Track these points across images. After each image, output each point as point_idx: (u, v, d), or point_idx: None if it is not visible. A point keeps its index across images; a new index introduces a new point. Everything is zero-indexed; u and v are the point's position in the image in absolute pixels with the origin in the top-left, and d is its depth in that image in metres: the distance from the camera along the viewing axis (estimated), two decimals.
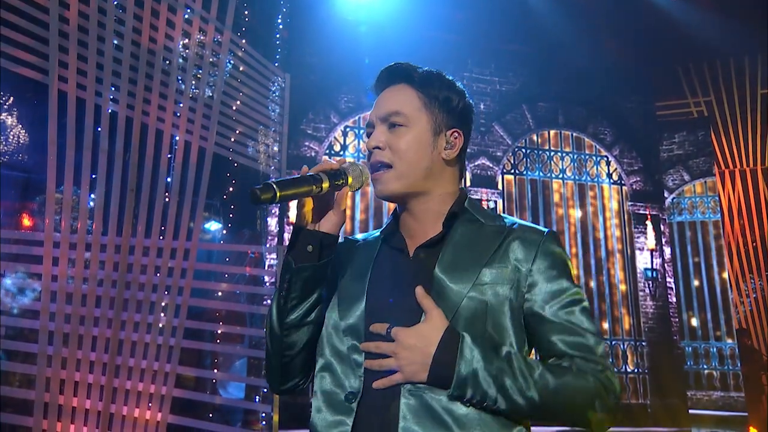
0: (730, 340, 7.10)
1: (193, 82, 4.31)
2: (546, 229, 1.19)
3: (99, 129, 3.93)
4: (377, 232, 1.30)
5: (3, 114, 4.04)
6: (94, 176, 3.89)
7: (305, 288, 1.14)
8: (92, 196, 3.89)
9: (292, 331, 1.16)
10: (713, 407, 6.84)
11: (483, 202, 4.93)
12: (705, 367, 6.99)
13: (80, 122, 3.85)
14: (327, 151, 5.14)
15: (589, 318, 1.12)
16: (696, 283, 7.26)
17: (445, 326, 1.05)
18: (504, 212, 5.04)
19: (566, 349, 1.08)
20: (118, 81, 4.00)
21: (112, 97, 3.99)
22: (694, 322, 7.11)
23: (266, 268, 4.61)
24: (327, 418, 1.11)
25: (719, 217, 7.70)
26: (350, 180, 1.13)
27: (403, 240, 1.22)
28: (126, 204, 3.93)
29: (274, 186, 1.01)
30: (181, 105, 4.23)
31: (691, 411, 6.27)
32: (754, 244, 8.30)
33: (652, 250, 6.35)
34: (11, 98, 4.16)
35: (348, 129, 5.27)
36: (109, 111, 3.98)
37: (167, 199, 4.11)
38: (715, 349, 7.06)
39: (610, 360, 5.78)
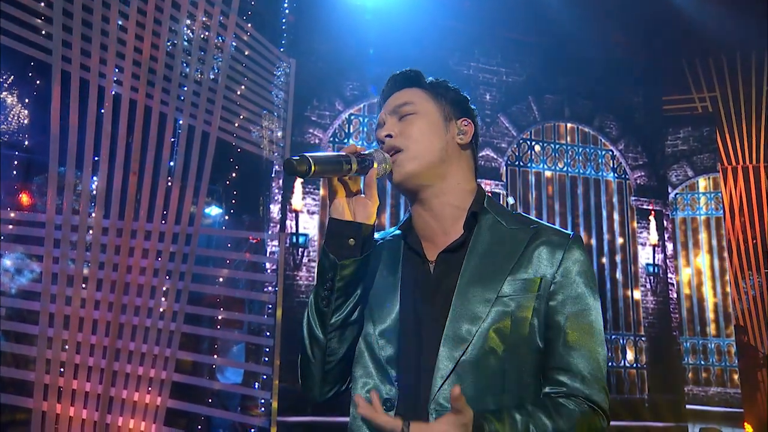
0: (728, 337, 7.11)
1: (198, 65, 4.27)
2: (571, 233, 1.16)
3: (102, 111, 3.89)
4: (395, 230, 1.27)
5: (3, 93, 3.99)
6: (96, 158, 3.86)
7: (349, 285, 1.09)
8: (94, 178, 3.86)
9: (336, 335, 1.11)
10: (710, 403, 6.88)
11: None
12: (703, 363, 7.02)
13: (83, 103, 3.81)
14: (331, 139, 5.10)
15: (601, 338, 1.11)
16: (696, 279, 7.26)
17: None
18: (505, 205, 5.02)
19: (577, 370, 1.07)
20: (122, 62, 3.96)
21: (115, 78, 3.94)
22: (694, 318, 7.11)
23: (267, 254, 4.59)
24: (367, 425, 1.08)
25: (722, 214, 7.68)
26: (375, 165, 1.11)
27: (419, 241, 1.19)
28: (128, 187, 3.90)
29: (310, 159, 0.99)
30: (185, 88, 4.19)
31: (688, 406, 6.29)
32: (755, 241, 8.29)
33: (654, 246, 6.35)
34: (12, 77, 4.11)
35: (353, 117, 5.23)
36: (113, 93, 3.94)
37: (170, 184, 4.08)
38: (713, 345, 7.08)
39: (610, 354, 5.80)
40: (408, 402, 1.06)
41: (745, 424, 6.77)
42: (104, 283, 3.81)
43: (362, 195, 1.12)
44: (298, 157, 0.99)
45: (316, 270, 1.17)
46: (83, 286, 3.76)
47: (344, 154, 1.07)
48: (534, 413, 1.02)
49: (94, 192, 3.86)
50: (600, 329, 1.11)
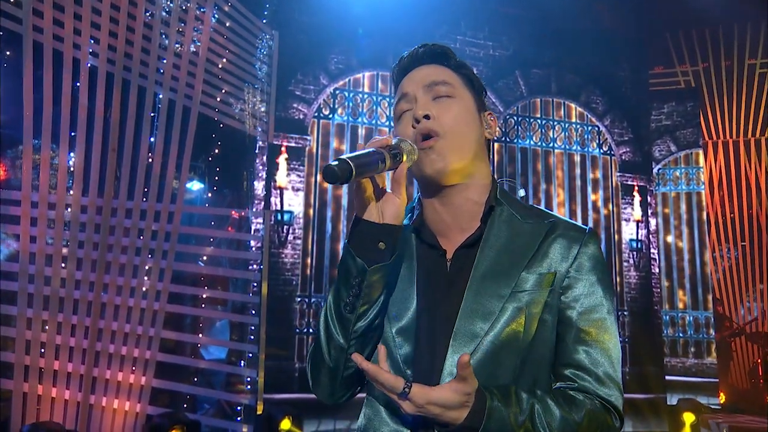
0: (707, 310, 7.27)
1: (178, 37, 4.12)
2: (587, 228, 1.11)
3: (78, 84, 3.76)
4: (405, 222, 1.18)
5: None
6: (73, 134, 3.74)
7: (375, 291, 1.01)
8: (71, 154, 3.75)
9: (357, 341, 1.04)
10: (688, 374, 7.06)
11: None
12: (682, 335, 7.17)
13: (57, 76, 3.67)
14: (316, 114, 5.00)
15: (615, 335, 1.07)
16: (677, 254, 7.38)
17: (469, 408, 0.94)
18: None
19: (588, 366, 1.04)
20: (97, 33, 3.81)
21: (91, 50, 3.80)
22: (674, 291, 7.25)
23: (252, 232, 4.53)
24: (384, 428, 1.05)
25: (703, 189, 7.77)
26: (404, 157, 1.01)
27: (433, 235, 1.12)
28: (107, 164, 3.79)
29: (350, 162, 0.89)
30: (165, 61, 4.05)
31: (667, 377, 6.45)
32: (732, 215, 8.43)
33: (638, 221, 6.41)
34: None
35: (338, 91, 5.12)
36: (89, 65, 3.80)
37: (150, 160, 3.97)
38: (691, 318, 7.23)
39: None
40: None
41: (720, 392, 6.98)
42: (84, 262, 3.73)
43: (389, 191, 1.02)
44: (337, 161, 0.88)
45: (337, 270, 1.04)
46: (62, 265, 3.68)
47: (376, 150, 0.96)
48: (543, 398, 0.99)
49: (72, 169, 3.74)
50: (613, 326, 1.07)
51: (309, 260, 4.86)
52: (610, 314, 1.07)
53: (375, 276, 0.99)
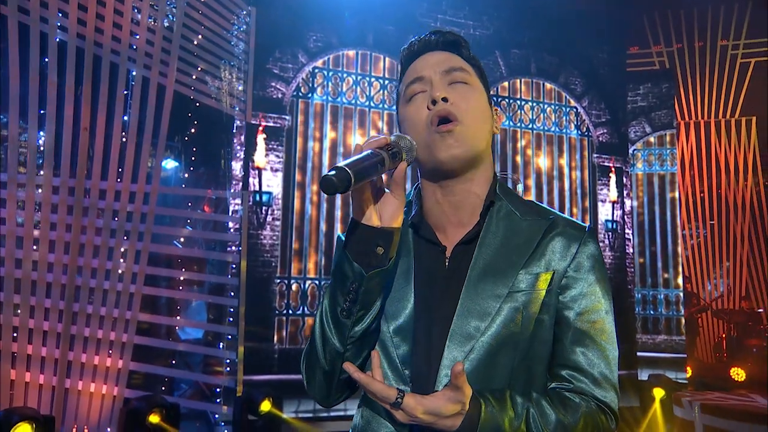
0: (677, 288, 7.46)
1: (151, 11, 3.98)
2: (587, 225, 1.10)
3: (46, 60, 3.61)
4: None
5: None
6: (42, 112, 3.61)
7: (373, 295, 0.98)
8: (41, 133, 3.62)
9: (354, 345, 1.01)
10: (657, 350, 7.26)
11: None
12: (652, 313, 7.36)
13: (24, 51, 3.52)
14: (294, 93, 4.91)
15: (613, 336, 1.07)
16: (650, 233, 7.53)
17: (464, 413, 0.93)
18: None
19: (585, 367, 1.03)
20: (66, 6, 3.65)
21: (59, 24, 3.65)
22: (647, 270, 7.41)
23: (230, 213, 4.46)
24: (383, 429, 1.03)
25: (676, 170, 7.92)
26: (404, 155, 0.97)
27: (432, 231, 1.09)
28: (79, 143, 3.68)
29: (347, 170, 0.83)
30: (138, 37, 3.92)
31: (638, 354, 6.62)
32: (702, 195, 8.63)
33: (613, 202, 6.50)
34: None
35: (317, 70, 5.03)
36: (57, 40, 3.65)
37: (124, 140, 3.86)
38: (662, 296, 7.41)
39: None
40: None
41: (687, 367, 7.21)
42: (57, 245, 3.63)
43: (387, 191, 0.99)
44: (334, 171, 0.83)
45: (331, 271, 1.03)
46: (34, 248, 3.58)
47: (373, 152, 0.91)
48: (538, 401, 0.99)
49: (42, 148, 3.62)
50: (611, 327, 1.06)
51: (288, 241, 4.82)
52: (609, 314, 1.06)
53: (373, 281, 0.97)
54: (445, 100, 1.02)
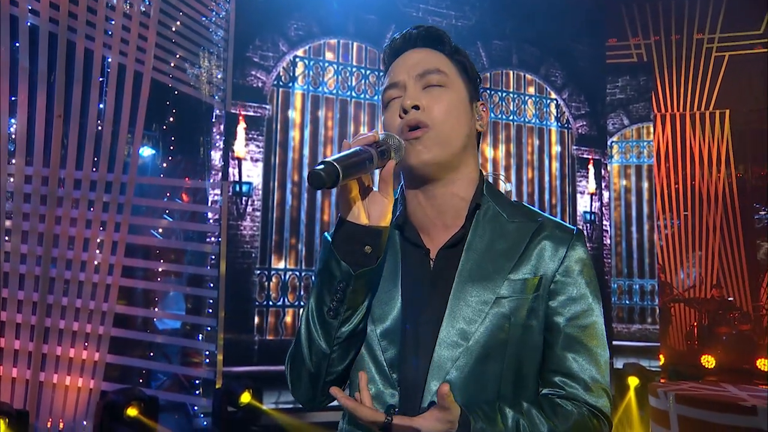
0: (652, 278, 7.60)
1: None
2: (574, 228, 1.08)
3: (17, 44, 3.50)
4: None
5: None
6: (13, 98, 3.50)
7: (360, 295, 0.98)
8: (12, 121, 3.51)
9: (341, 346, 1.00)
10: (632, 339, 7.41)
11: None
12: (628, 302, 7.50)
13: None
14: (275, 83, 4.84)
15: (603, 341, 1.06)
16: (626, 225, 7.65)
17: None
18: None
19: (576, 373, 1.02)
20: None
21: (30, 7, 3.54)
22: (623, 261, 7.54)
23: (209, 204, 4.40)
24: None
25: (653, 162, 8.04)
26: (392, 154, 0.97)
27: (416, 233, 1.07)
28: (53, 131, 3.58)
29: (335, 164, 0.84)
30: (113, 22, 3.82)
31: (614, 342, 6.74)
32: (677, 186, 8.78)
33: (591, 194, 6.57)
34: None
35: (298, 59, 4.96)
36: (29, 24, 3.54)
37: (100, 128, 3.77)
38: (638, 286, 7.55)
39: None
40: (410, 406, 0.99)
41: (660, 355, 7.38)
42: (30, 236, 3.55)
43: (375, 190, 0.98)
44: (322, 165, 0.84)
45: (318, 270, 1.02)
46: (6, 238, 3.49)
47: (362, 148, 0.91)
48: (529, 411, 0.98)
49: (14, 136, 3.52)
50: (602, 331, 1.05)
51: (268, 232, 4.78)
52: (599, 318, 1.06)
53: (361, 281, 0.96)
54: (416, 107, 1.02)
